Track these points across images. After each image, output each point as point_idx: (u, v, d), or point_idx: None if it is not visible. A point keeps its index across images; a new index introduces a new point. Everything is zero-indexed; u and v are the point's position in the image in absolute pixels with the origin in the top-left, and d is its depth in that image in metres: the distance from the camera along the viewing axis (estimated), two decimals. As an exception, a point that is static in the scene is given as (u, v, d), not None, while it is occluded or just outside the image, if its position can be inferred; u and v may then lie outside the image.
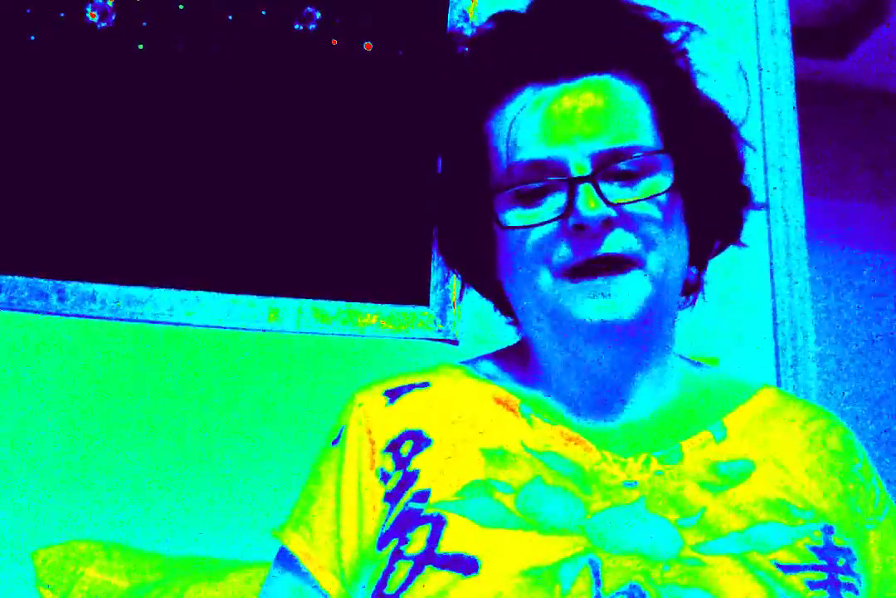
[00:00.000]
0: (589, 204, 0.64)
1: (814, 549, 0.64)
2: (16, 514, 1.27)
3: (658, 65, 0.71)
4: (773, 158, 1.63)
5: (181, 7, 1.47)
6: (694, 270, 0.76)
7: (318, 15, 1.52)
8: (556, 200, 0.67)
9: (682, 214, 0.70)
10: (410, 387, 0.75)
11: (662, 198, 0.67)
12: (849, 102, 3.13)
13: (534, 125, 0.68)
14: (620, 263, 0.66)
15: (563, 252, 0.66)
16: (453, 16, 1.55)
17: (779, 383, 1.56)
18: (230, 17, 1.49)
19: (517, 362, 0.78)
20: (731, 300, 1.56)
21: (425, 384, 0.76)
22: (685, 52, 0.73)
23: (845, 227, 3.09)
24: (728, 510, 0.65)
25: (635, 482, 0.67)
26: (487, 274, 0.76)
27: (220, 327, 1.40)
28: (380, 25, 1.53)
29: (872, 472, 0.74)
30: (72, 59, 1.42)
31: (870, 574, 0.67)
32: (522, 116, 0.68)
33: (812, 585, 0.61)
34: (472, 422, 0.71)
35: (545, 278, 0.67)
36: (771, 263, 1.60)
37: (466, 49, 0.74)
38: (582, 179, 0.65)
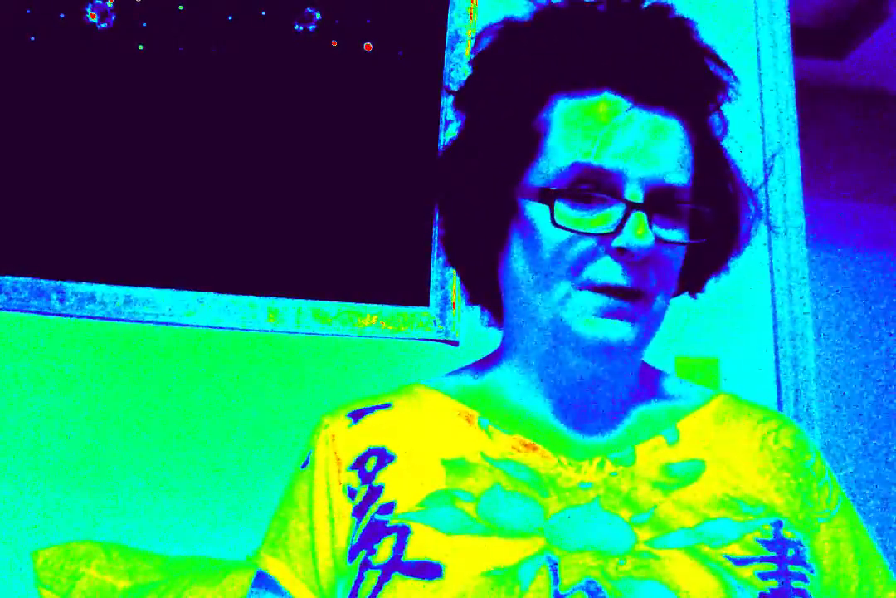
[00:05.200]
0: (638, 231, 0.65)
1: (763, 542, 0.66)
2: (16, 514, 1.27)
3: (708, 121, 0.74)
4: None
5: (181, 7, 1.47)
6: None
7: (318, 15, 1.52)
8: (606, 217, 0.67)
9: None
10: (373, 408, 0.78)
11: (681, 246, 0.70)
12: (848, 102, 3.14)
13: (612, 133, 0.67)
14: (638, 296, 0.68)
15: (595, 270, 0.67)
16: (453, 16, 1.56)
17: (779, 384, 1.56)
18: (230, 18, 1.49)
19: (489, 366, 0.80)
20: (731, 300, 1.56)
21: (387, 405, 0.78)
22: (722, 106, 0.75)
23: (845, 227, 3.09)
24: (679, 508, 0.67)
25: (590, 483, 0.69)
26: (489, 274, 0.76)
27: (220, 328, 1.40)
28: (380, 26, 1.53)
29: (826, 468, 0.76)
30: (72, 59, 1.43)
31: (822, 566, 0.70)
32: (605, 118, 0.67)
33: (763, 576, 0.64)
34: (433, 436, 0.73)
35: (563, 287, 0.68)
36: (771, 263, 1.60)
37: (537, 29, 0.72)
38: (640, 206, 0.66)
